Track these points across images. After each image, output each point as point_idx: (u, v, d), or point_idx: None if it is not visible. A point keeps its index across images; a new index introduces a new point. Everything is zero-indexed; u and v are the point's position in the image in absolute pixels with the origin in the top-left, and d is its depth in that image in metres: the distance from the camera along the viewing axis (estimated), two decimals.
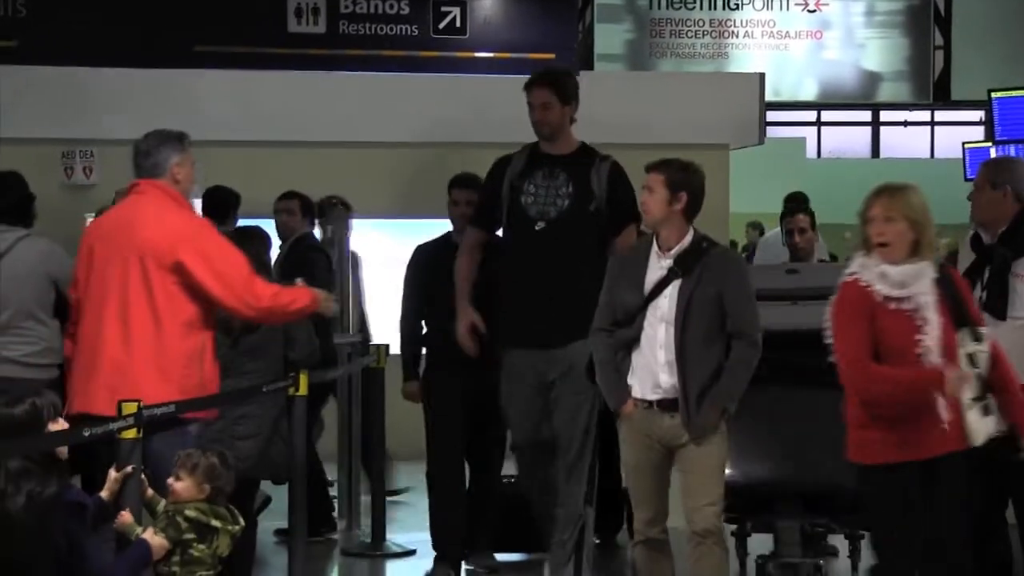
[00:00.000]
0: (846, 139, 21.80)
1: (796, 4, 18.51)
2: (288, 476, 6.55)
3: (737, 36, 18.00)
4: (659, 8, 17.88)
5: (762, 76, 11.32)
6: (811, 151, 21.12)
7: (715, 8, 17.95)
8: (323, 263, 8.02)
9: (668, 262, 5.48)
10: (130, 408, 4.71)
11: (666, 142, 10.90)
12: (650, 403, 5.44)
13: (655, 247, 5.53)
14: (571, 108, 6.43)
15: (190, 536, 4.70)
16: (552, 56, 9.48)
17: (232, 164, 9.05)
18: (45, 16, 8.84)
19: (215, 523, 4.75)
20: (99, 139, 10.60)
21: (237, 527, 4.82)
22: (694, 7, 17.96)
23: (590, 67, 11.00)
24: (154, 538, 4.64)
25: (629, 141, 9.08)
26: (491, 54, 9.41)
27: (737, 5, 17.95)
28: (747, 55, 17.73)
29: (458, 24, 9.31)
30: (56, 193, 10.66)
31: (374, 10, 9.15)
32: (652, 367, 5.44)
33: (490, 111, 8.66)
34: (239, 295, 5.44)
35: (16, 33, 8.83)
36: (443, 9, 9.25)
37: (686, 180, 5.49)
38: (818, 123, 21.23)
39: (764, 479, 6.13)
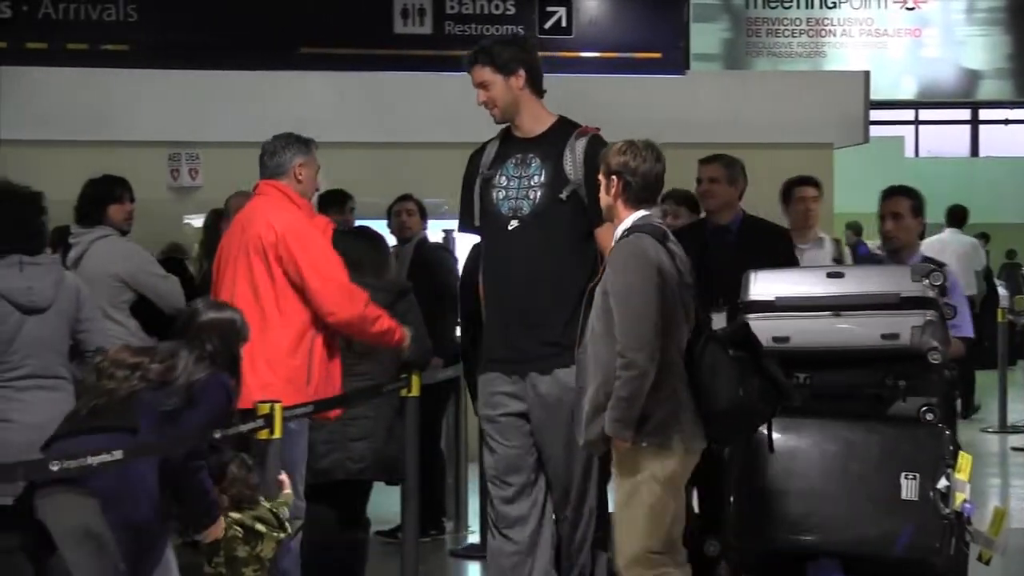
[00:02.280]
0: (945, 138, 21.51)
1: (895, 2, 18.17)
2: (402, 477, 6.55)
3: (834, 35, 17.66)
4: (755, 7, 17.61)
5: (867, 74, 11.21)
6: (909, 150, 20.85)
7: (812, 7, 17.66)
8: (449, 264, 8.09)
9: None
10: (264, 408, 4.76)
11: (770, 141, 10.84)
12: None
13: None
14: (518, 79, 5.40)
15: (235, 533, 4.76)
16: (659, 55, 9.39)
17: (338, 165, 9.07)
18: (155, 20, 8.91)
19: (259, 527, 4.79)
20: (205, 141, 10.71)
21: (283, 534, 4.86)
22: (791, 6, 17.69)
23: (687, 66, 10.86)
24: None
25: (732, 140, 9.00)
26: (597, 54, 9.33)
27: (834, 3, 17.68)
28: (844, 54, 17.47)
29: (564, 24, 9.24)
30: (163, 195, 10.79)
31: (480, 11, 9.11)
32: None
33: (595, 110, 8.62)
34: (335, 295, 5.49)
35: (127, 37, 8.90)
36: (549, 9, 9.19)
37: (622, 163, 4.89)
38: (916, 122, 20.96)
39: (794, 535, 5.04)
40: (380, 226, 7.74)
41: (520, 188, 5.40)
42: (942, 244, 15.38)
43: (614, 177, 4.89)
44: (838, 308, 5.14)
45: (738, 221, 6.60)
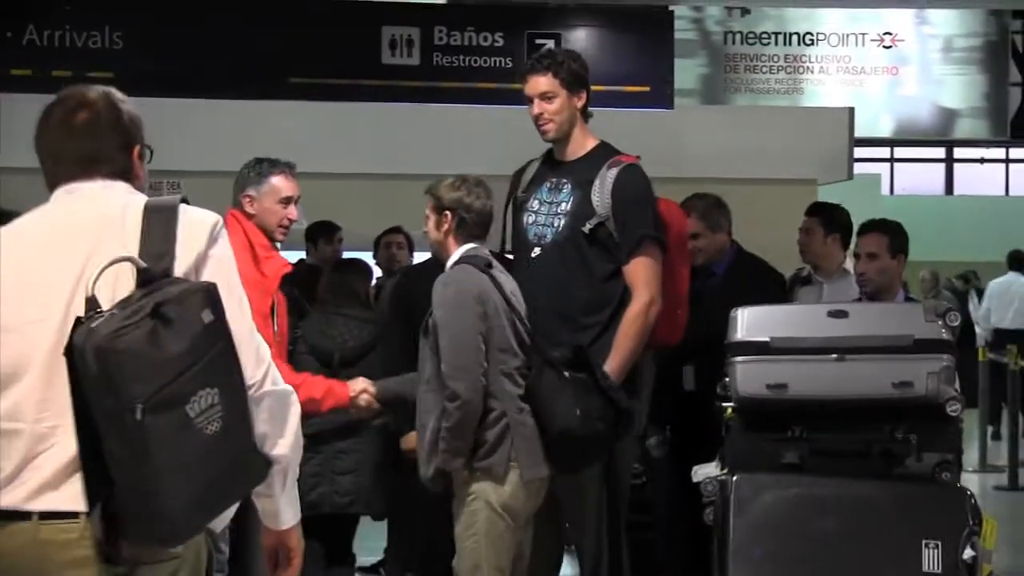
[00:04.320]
0: (920, 176, 21.63)
1: (872, 40, 18.36)
2: (388, 512, 6.48)
3: (812, 72, 17.86)
4: (733, 43, 17.78)
5: (851, 111, 11.22)
6: (885, 188, 20.95)
7: (790, 44, 17.82)
8: None
9: None
10: None
11: (753, 177, 10.85)
12: None
13: None
14: (580, 99, 5.13)
15: None
16: (647, 88, 9.39)
17: (325, 196, 9.02)
18: (141, 48, 8.87)
19: None
20: (188, 171, 10.63)
21: None
22: (768, 42, 17.84)
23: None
24: None
25: (715, 175, 9.00)
26: None
27: (812, 41, 17.83)
28: (822, 90, 17.60)
29: None
30: None
31: (468, 42, 9.11)
32: None
33: None
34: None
35: (113, 65, 8.85)
36: (537, 42, 9.18)
37: (456, 199, 4.85)
38: (892, 159, 21.08)
39: None
40: (367, 257, 7.70)
41: (548, 215, 5.15)
42: (1007, 285, 15.48)
43: (447, 213, 4.84)
44: (843, 351, 4.56)
45: (725, 263, 6.31)
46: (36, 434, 2.74)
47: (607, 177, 5.06)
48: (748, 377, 4.55)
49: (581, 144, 5.19)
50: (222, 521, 2.86)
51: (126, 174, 2.95)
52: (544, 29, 9.28)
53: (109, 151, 2.93)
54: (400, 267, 8.28)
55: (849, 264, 6.67)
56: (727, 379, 4.66)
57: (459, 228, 4.84)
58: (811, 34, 17.72)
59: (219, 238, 2.89)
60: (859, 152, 20.65)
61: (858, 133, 14.21)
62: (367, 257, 7.79)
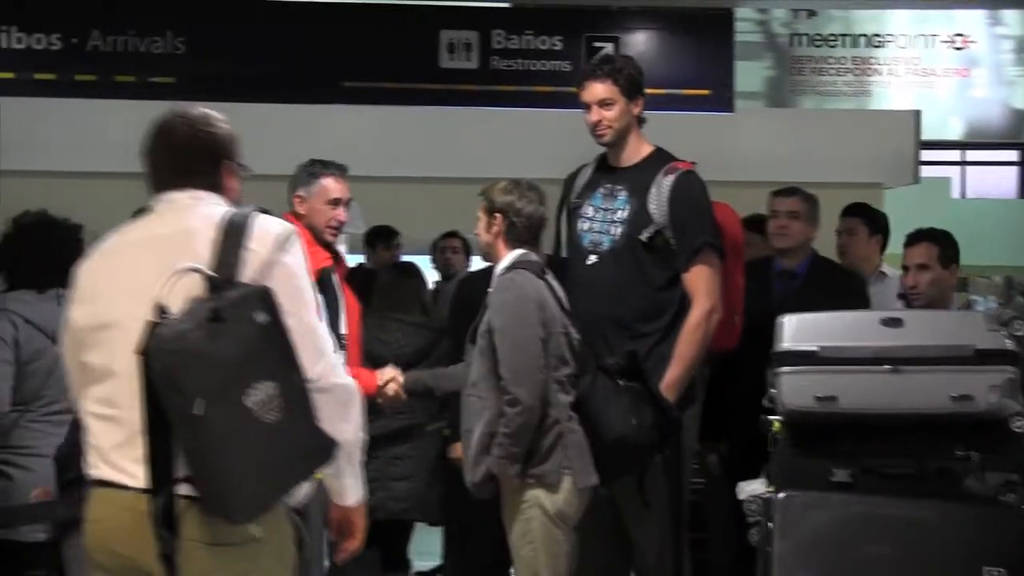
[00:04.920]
0: (991, 179, 21.32)
1: (942, 41, 18.14)
2: (444, 519, 6.46)
3: (880, 74, 17.67)
4: (800, 45, 17.63)
5: (917, 113, 11.09)
6: (955, 191, 20.68)
7: (858, 45, 17.65)
8: None
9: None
10: None
11: (816, 180, 10.73)
12: None
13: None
14: (637, 105, 5.14)
15: None
16: (707, 92, 9.30)
17: (384, 200, 9.04)
18: (202, 53, 8.93)
19: None
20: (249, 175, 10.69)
21: None
22: (836, 44, 17.67)
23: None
24: None
25: (777, 179, 8.91)
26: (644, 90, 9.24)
27: (880, 43, 17.64)
28: (890, 93, 17.40)
29: None
30: None
31: (526, 45, 9.07)
32: None
33: None
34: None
35: (174, 70, 8.92)
36: (596, 45, 9.13)
37: (507, 203, 4.81)
38: (963, 163, 20.81)
39: None
40: (424, 262, 7.70)
41: (604, 222, 5.13)
42: None
43: (498, 216, 4.82)
44: (897, 362, 4.23)
45: (806, 264, 6.09)
46: (128, 420, 3.07)
47: (664, 184, 5.04)
48: (795, 389, 4.29)
49: (636, 150, 5.15)
50: (295, 499, 3.16)
51: (216, 187, 3.28)
52: (603, 32, 9.22)
53: (200, 166, 3.28)
54: (456, 271, 8.28)
55: (886, 267, 6.60)
56: (773, 391, 4.42)
57: (509, 232, 4.82)
58: (879, 36, 17.53)
59: (287, 246, 3.19)
60: (928, 155, 20.46)
61: (927, 136, 14.08)
62: (424, 261, 7.80)
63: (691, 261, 5.02)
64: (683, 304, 5.03)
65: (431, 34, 9.14)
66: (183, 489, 3.01)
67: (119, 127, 10.45)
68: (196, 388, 2.91)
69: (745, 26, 14.94)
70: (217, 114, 3.37)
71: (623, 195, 5.12)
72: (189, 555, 3.03)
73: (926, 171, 20.75)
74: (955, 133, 19.37)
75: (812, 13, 16.95)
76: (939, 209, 18.10)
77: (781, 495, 4.28)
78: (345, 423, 3.19)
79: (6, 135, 10.11)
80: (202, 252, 3.11)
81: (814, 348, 4.33)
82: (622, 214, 5.09)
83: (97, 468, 3.17)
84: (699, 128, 10.59)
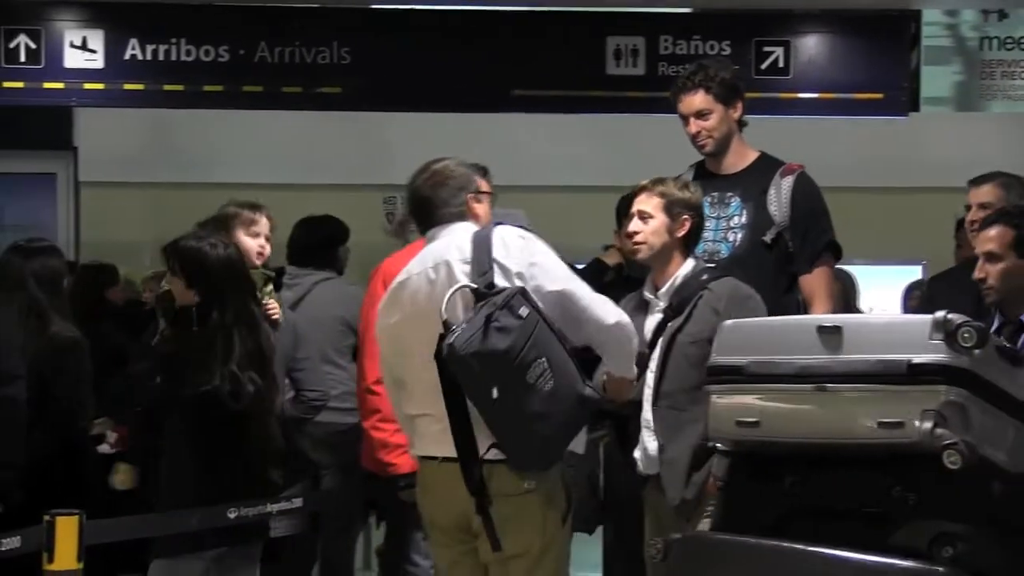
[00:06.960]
0: None
1: None
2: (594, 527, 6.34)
3: None
4: (990, 49, 17.07)
5: None
6: None
7: None
8: None
9: (661, 303, 4.60)
10: None
11: None
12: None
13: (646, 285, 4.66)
14: (735, 110, 5.02)
15: None
16: (880, 96, 9.04)
17: (549, 208, 8.97)
18: (368, 63, 8.98)
19: None
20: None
21: None
22: None
23: (916, 109, 10.49)
24: None
25: (955, 185, 8.61)
26: (815, 95, 9.02)
27: None
28: None
29: (781, 64, 8.98)
30: (378, 239, 10.82)
31: (694, 51, 8.93)
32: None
33: (813, 153, 8.36)
34: None
35: (341, 80, 8.99)
36: (766, 49, 8.94)
37: (687, 201, 4.59)
38: None
39: None
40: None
41: (718, 230, 4.99)
42: None
43: (688, 216, 4.59)
44: (822, 379, 3.43)
45: None
46: (429, 415, 4.12)
47: (782, 185, 4.97)
48: (717, 411, 3.64)
49: (741, 155, 5.07)
50: (579, 445, 4.21)
51: (462, 216, 4.26)
52: (772, 36, 9.03)
53: (446, 201, 4.26)
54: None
55: None
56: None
57: (690, 235, 4.62)
58: None
59: (528, 245, 4.11)
60: None
61: None
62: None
63: (813, 263, 4.96)
64: (799, 310, 4.95)
65: (598, 40, 9.06)
66: (491, 454, 3.92)
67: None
68: (487, 378, 3.83)
69: (933, 30, 14.52)
70: (455, 160, 4.38)
71: (735, 201, 5.01)
72: (495, 507, 3.98)
73: None
74: None
75: (1004, 15, 16.41)
76: None
77: (675, 536, 3.68)
78: (618, 357, 4.22)
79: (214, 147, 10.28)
80: (463, 270, 4.06)
81: (743, 362, 3.62)
82: (739, 220, 4.99)
83: (424, 448, 4.18)
84: (875, 132, 10.34)
